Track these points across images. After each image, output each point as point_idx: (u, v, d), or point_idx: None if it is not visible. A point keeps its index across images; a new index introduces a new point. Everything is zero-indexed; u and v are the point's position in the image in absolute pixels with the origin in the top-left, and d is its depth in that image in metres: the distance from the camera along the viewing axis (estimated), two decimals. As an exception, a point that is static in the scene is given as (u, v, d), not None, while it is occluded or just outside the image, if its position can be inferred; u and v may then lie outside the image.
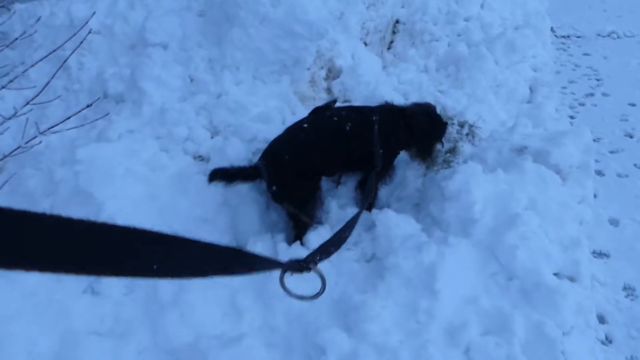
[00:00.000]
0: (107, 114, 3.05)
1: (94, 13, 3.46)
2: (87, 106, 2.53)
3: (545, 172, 2.93)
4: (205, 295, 2.53)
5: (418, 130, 2.90)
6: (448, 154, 3.29)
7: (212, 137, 3.24)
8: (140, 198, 2.77)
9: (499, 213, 2.72)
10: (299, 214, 2.77)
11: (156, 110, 3.22)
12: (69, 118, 2.51)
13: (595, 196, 3.52)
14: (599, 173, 3.75)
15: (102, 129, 3.13)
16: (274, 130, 3.26)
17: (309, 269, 1.26)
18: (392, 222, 2.72)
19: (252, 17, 3.44)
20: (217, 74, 3.47)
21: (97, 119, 2.87)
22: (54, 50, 3.26)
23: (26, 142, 2.50)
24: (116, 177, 2.74)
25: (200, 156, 3.13)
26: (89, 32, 3.02)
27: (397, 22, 5.53)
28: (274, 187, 2.67)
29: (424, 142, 3.00)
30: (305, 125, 2.79)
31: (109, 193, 2.70)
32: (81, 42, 2.99)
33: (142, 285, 2.63)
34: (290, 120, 3.42)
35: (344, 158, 2.79)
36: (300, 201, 2.75)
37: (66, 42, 3.22)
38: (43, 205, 2.82)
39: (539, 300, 2.43)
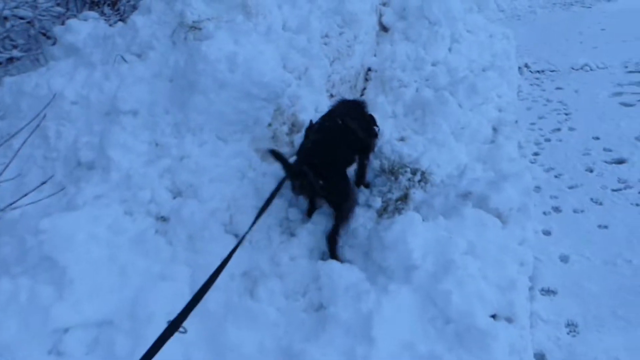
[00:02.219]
0: (62, 189, 3.29)
1: (54, 97, 3.71)
2: (42, 183, 2.77)
3: (484, 217, 3.07)
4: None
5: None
6: (399, 202, 3.45)
7: (174, 198, 3.46)
8: (101, 261, 2.97)
9: (438, 259, 2.86)
10: (342, 202, 3.29)
11: (123, 175, 3.46)
12: (25, 195, 2.75)
13: (549, 233, 3.63)
14: (556, 210, 3.85)
15: (72, 195, 3.36)
16: (232, 189, 3.48)
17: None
18: (335, 272, 2.88)
19: (211, 83, 3.69)
20: (182, 137, 3.71)
21: (53, 194, 3.10)
22: (28, 123, 3.53)
23: (-12, 217, 2.74)
24: (78, 242, 2.95)
25: (162, 217, 3.34)
26: (44, 113, 3.24)
27: (369, 69, 5.78)
28: (320, 182, 3.13)
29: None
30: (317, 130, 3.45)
31: (71, 258, 2.90)
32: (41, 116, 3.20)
33: (102, 342, 2.81)
34: (251, 176, 3.65)
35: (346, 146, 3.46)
36: (342, 189, 3.31)
37: (38, 114, 3.49)
38: (14, 271, 3.03)
39: (471, 343, 2.54)
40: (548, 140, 4.93)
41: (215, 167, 3.56)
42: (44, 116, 3.25)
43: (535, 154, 4.71)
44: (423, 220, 3.18)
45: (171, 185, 3.50)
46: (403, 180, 3.55)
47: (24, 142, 3.08)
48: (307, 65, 4.59)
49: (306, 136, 3.55)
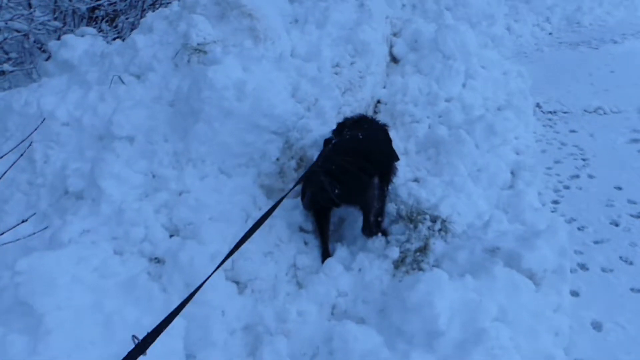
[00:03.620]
0: (45, 227, 2.92)
1: (44, 119, 3.40)
2: (23, 221, 2.43)
3: (517, 278, 2.76)
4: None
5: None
6: (418, 254, 3.13)
7: (170, 237, 3.12)
8: (85, 308, 2.61)
9: (466, 325, 2.54)
10: (364, 207, 3.22)
11: (114, 209, 3.12)
12: (2, 234, 2.41)
13: (578, 294, 3.33)
14: (583, 267, 3.57)
15: (57, 229, 3.02)
16: (235, 230, 3.15)
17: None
18: (350, 335, 2.54)
19: (216, 112, 3.40)
20: (181, 168, 3.40)
21: (34, 233, 2.75)
22: (16, 146, 3.20)
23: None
24: (60, 286, 2.59)
25: (156, 258, 2.99)
26: (30, 139, 2.92)
27: (378, 102, 5.52)
28: (336, 190, 3.01)
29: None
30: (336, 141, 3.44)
31: (51, 304, 2.54)
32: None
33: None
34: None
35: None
36: (358, 196, 3.16)
37: (26, 138, 3.16)
38: (-16, 315, 2.66)
39: None
40: (567, 187, 4.66)
41: (217, 204, 3.23)
42: (30, 144, 2.90)
43: (555, 202, 4.43)
44: (448, 277, 2.88)
45: (168, 222, 3.17)
46: (423, 228, 3.24)
47: (10, 166, 2.72)
48: (318, 95, 4.32)
49: (324, 147, 3.47)
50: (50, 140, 3.77)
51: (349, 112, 4.62)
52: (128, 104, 3.74)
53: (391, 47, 6.18)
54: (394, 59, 6.16)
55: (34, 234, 2.74)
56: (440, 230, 3.31)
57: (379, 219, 3.32)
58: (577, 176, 4.84)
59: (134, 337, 1.95)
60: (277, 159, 3.63)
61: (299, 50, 4.91)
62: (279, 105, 3.47)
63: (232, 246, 3.05)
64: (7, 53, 5.93)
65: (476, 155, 4.45)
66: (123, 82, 3.92)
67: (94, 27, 7.19)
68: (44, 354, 2.43)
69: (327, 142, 3.48)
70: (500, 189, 4.24)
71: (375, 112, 5.46)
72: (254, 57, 3.78)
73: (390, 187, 3.54)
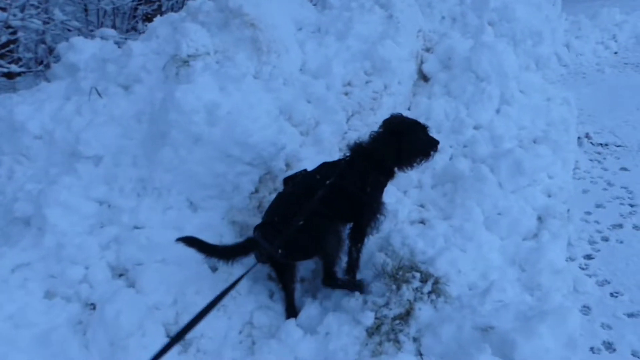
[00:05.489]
0: None
1: None
2: None
3: (507, 373, 2.21)
4: None
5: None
6: (397, 322, 2.61)
7: (119, 276, 2.75)
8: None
9: None
10: (323, 259, 2.77)
11: (57, 242, 2.77)
12: None
13: (597, 381, 2.71)
14: (609, 346, 2.91)
15: (-8, 261, 2.71)
16: (186, 276, 2.74)
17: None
18: None
19: (183, 137, 3.01)
20: (141, 198, 3.02)
21: None
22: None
23: None
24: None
25: (92, 304, 2.62)
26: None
27: (399, 125, 4.99)
28: (280, 250, 2.54)
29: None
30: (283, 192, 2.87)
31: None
32: None
33: None
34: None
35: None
36: (312, 249, 2.72)
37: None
38: None
39: None
40: (606, 239, 3.96)
41: (171, 245, 2.81)
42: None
43: (588, 256, 3.75)
44: (422, 356, 2.36)
45: (115, 261, 2.79)
46: (406, 291, 2.71)
47: None
48: (319, 119, 3.87)
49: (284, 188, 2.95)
50: (20, 154, 3.51)
51: (354, 138, 4.12)
52: (102, 120, 3.42)
53: (421, 63, 5.62)
54: (424, 77, 5.60)
55: None
56: (430, 292, 2.77)
57: (351, 272, 2.86)
58: (620, 226, 4.12)
59: None
60: (255, 191, 3.20)
61: (310, 65, 4.47)
62: (256, 132, 3.04)
63: (178, 297, 2.67)
64: (19, 54, 5.78)
65: (498, 196, 3.85)
66: (99, 95, 3.59)
67: (131, 25, 7.05)
68: None
69: (286, 181, 2.93)
70: (522, 238, 3.63)
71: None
72: (234, 76, 3.33)
73: (361, 244, 2.97)
